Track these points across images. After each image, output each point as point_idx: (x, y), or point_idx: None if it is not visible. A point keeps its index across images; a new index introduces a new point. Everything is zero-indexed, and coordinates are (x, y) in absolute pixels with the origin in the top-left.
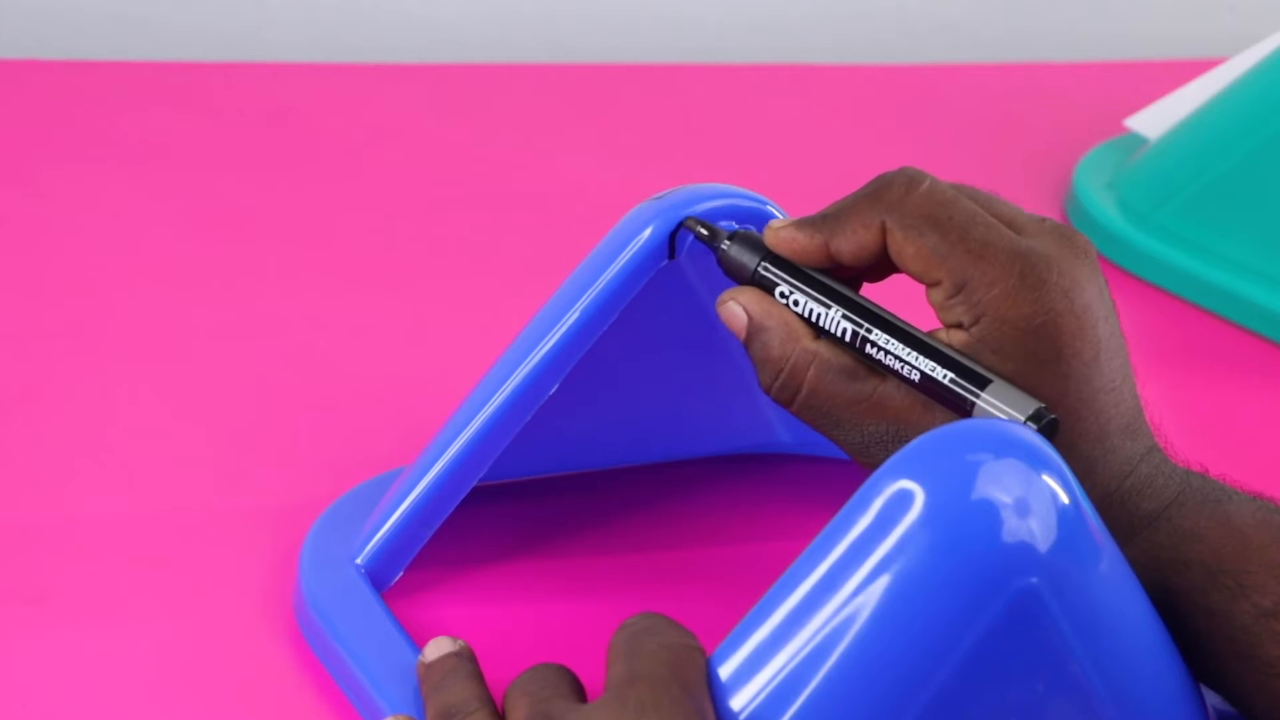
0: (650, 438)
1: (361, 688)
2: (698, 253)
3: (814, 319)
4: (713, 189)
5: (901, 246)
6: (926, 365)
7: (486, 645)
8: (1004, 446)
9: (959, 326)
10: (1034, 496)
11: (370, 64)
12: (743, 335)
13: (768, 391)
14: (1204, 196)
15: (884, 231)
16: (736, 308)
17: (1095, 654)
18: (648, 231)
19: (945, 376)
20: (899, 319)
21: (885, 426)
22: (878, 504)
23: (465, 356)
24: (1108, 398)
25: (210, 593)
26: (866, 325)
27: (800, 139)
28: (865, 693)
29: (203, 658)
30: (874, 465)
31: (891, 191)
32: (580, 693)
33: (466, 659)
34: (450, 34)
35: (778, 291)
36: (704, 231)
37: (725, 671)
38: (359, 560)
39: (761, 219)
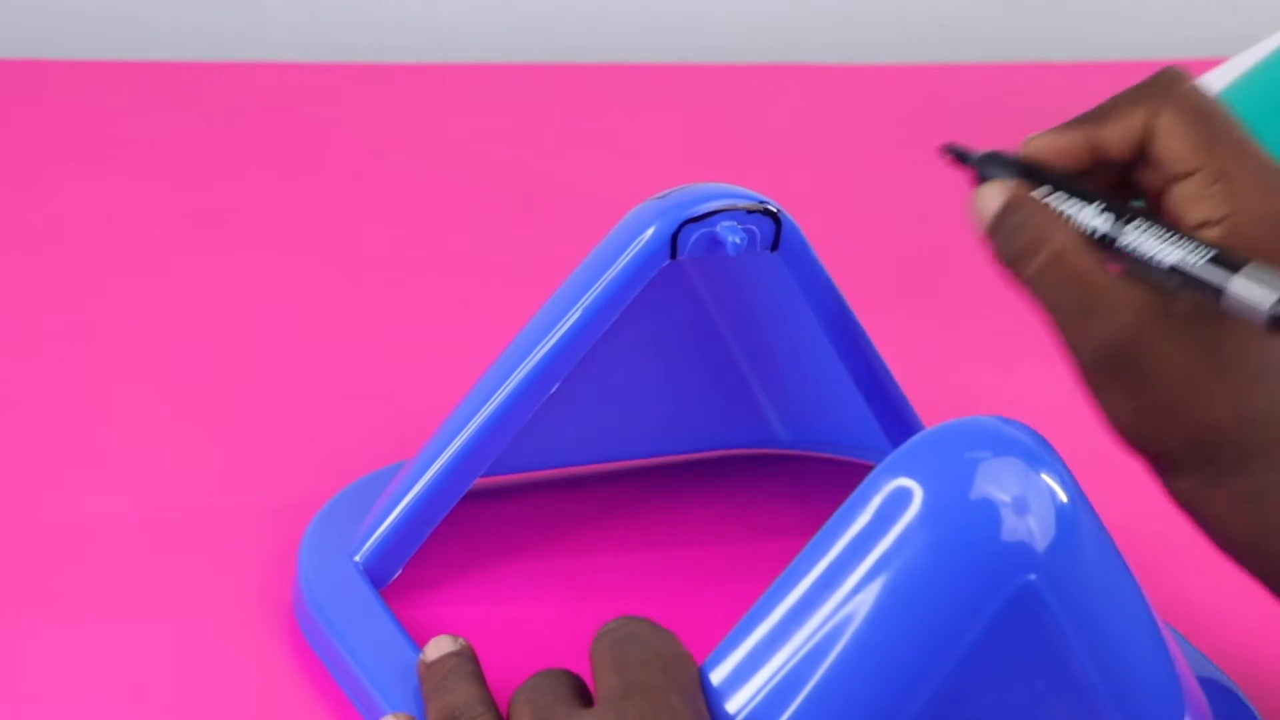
0: (650, 435)
1: (360, 685)
2: (699, 253)
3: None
4: (714, 189)
5: (1171, 128)
6: (1186, 245)
7: (486, 644)
8: (1002, 444)
9: (1206, 225)
10: (1032, 494)
11: (370, 64)
12: (990, 219)
13: (1003, 254)
14: None
15: (1151, 116)
16: (993, 188)
17: (1095, 651)
18: (650, 231)
19: (1205, 256)
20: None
21: (1128, 318)
22: (876, 502)
23: (465, 355)
24: None
25: (209, 590)
26: (1124, 216)
27: (800, 139)
28: (864, 693)
29: (202, 655)
30: (1096, 385)
31: (1162, 79)
32: (585, 697)
33: (468, 659)
34: (450, 34)
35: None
36: (957, 155)
37: (722, 673)
38: (358, 557)
39: (763, 219)
